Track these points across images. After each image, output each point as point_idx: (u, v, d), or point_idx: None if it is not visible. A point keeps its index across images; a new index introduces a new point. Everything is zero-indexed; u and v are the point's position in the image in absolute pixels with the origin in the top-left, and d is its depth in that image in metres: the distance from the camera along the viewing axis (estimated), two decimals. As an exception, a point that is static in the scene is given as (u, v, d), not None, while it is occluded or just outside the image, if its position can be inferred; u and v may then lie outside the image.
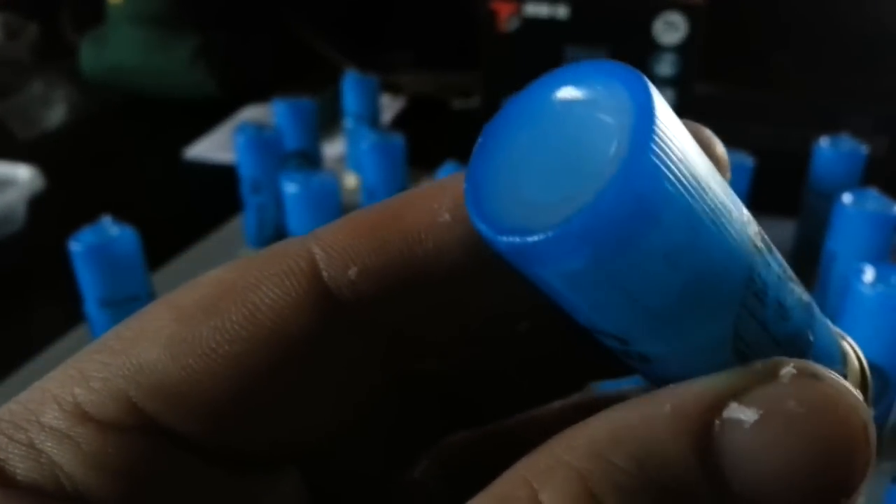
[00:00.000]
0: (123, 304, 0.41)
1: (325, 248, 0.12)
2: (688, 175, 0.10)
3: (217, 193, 0.62)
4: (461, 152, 0.51)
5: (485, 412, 0.16)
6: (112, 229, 0.40)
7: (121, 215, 0.42)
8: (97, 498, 0.11)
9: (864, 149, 0.51)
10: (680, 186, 0.10)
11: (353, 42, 0.88)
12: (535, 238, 0.10)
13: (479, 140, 0.11)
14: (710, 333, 0.10)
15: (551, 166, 0.10)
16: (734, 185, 0.11)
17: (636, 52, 0.67)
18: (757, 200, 0.50)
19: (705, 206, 0.10)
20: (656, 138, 0.09)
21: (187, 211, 0.65)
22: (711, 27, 0.66)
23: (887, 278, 0.35)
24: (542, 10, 0.69)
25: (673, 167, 0.09)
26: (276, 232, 0.54)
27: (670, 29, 0.66)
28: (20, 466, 0.11)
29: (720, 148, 0.12)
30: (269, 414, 0.12)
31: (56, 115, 0.84)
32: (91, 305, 0.41)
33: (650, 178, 0.09)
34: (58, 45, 0.92)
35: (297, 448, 0.13)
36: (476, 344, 0.15)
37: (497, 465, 0.16)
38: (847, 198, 0.44)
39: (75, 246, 0.40)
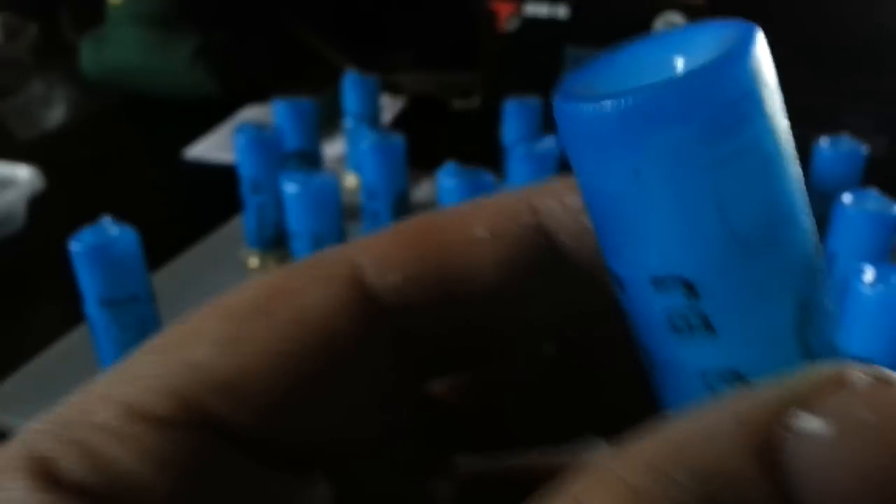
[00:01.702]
0: (123, 304, 0.41)
1: (368, 254, 0.13)
2: (779, 103, 0.10)
3: (217, 193, 0.62)
4: (461, 152, 0.51)
5: (479, 440, 0.16)
6: (112, 229, 0.40)
7: (121, 215, 0.42)
8: (156, 495, 0.11)
9: (864, 149, 0.51)
10: (776, 104, 0.10)
11: (353, 42, 0.88)
12: (644, 95, 0.09)
13: (565, 78, 0.11)
14: (776, 308, 0.10)
15: (650, 70, 0.10)
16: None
17: (636, 52, 0.67)
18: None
19: (790, 147, 0.10)
20: (762, 45, 0.10)
21: (187, 211, 0.65)
22: (711, 27, 0.65)
23: (887, 278, 0.35)
24: (542, 10, 0.69)
25: (772, 85, 0.10)
26: (276, 232, 0.54)
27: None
28: (76, 467, 0.11)
29: None
30: (312, 411, 0.13)
31: (56, 115, 0.84)
32: (91, 305, 0.41)
33: (755, 68, 0.10)
34: (58, 45, 0.92)
35: (333, 451, 0.14)
36: (501, 359, 0.15)
37: (505, 497, 0.16)
38: (847, 198, 0.43)
39: (75, 246, 0.40)
